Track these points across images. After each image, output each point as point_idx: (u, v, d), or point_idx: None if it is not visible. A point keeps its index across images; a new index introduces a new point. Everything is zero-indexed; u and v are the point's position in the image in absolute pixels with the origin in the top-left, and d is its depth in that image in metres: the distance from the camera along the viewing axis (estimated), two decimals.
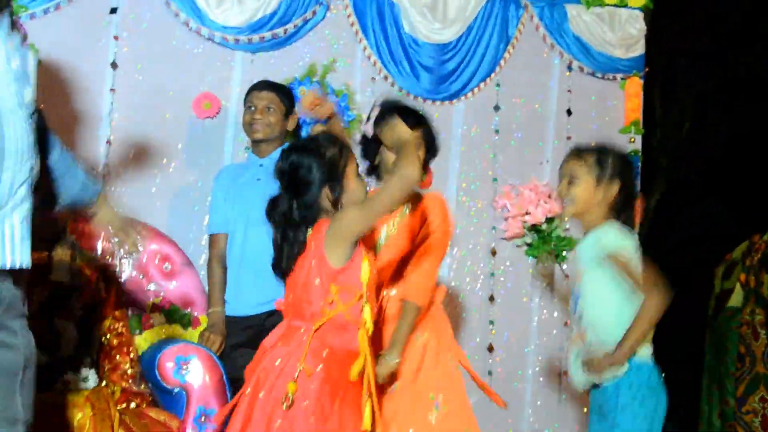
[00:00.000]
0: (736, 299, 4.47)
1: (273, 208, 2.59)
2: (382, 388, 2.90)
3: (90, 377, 3.17)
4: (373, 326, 2.55)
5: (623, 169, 2.77)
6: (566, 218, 2.85)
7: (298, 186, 2.54)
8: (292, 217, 2.54)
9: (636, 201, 2.82)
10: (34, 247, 2.83)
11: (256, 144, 3.66)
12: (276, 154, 3.60)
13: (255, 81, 3.92)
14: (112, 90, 3.92)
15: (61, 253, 3.38)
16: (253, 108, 3.61)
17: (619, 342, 2.62)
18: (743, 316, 4.38)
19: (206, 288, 3.82)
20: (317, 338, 2.47)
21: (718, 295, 4.67)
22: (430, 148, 3.08)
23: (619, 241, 2.67)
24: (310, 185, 2.53)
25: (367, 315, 2.50)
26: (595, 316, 2.71)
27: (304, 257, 2.51)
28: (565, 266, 4.44)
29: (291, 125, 3.69)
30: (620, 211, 2.76)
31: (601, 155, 2.78)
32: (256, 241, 3.42)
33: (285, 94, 3.69)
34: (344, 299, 2.48)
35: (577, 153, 2.81)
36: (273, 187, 3.36)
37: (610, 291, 2.68)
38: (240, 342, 3.49)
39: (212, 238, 3.66)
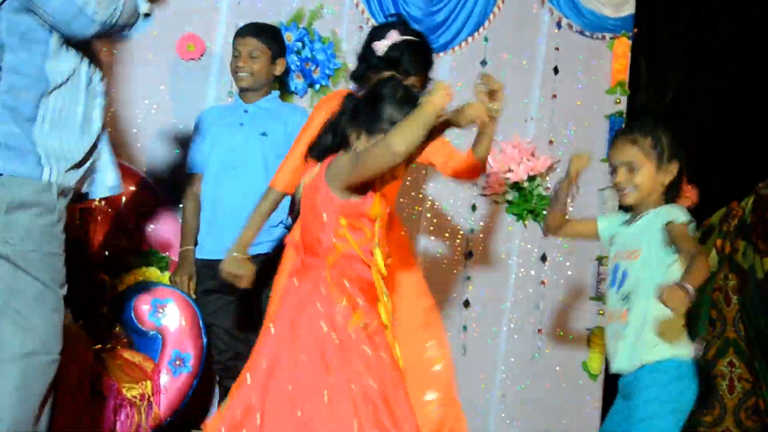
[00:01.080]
0: (711, 264, 4.50)
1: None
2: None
3: (66, 317, 3.13)
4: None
5: (678, 149, 2.69)
6: (629, 203, 2.73)
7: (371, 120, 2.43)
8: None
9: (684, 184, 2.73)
10: None
11: (242, 91, 3.62)
12: (263, 101, 3.61)
13: (240, 24, 3.86)
14: None
15: None
16: (237, 54, 3.57)
17: (687, 272, 2.41)
18: (717, 281, 4.42)
19: None
20: (334, 272, 2.42)
21: None
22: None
23: (683, 215, 2.59)
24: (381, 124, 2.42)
25: (378, 257, 2.44)
26: (648, 299, 2.52)
27: (313, 192, 2.45)
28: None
29: (279, 70, 3.64)
30: (671, 192, 2.69)
31: (654, 137, 2.68)
32: (233, 185, 3.45)
33: (272, 37, 3.62)
34: (355, 235, 2.42)
35: (630, 138, 2.70)
36: (255, 134, 3.34)
37: (667, 276, 2.55)
38: (211, 288, 3.46)
39: (190, 177, 3.64)
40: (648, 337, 2.59)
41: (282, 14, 4.07)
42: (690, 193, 2.80)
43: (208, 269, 3.44)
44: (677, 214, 2.61)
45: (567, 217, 2.97)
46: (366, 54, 2.96)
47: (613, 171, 2.75)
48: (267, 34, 3.61)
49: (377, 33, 2.99)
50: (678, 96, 5.83)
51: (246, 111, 3.58)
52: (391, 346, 2.47)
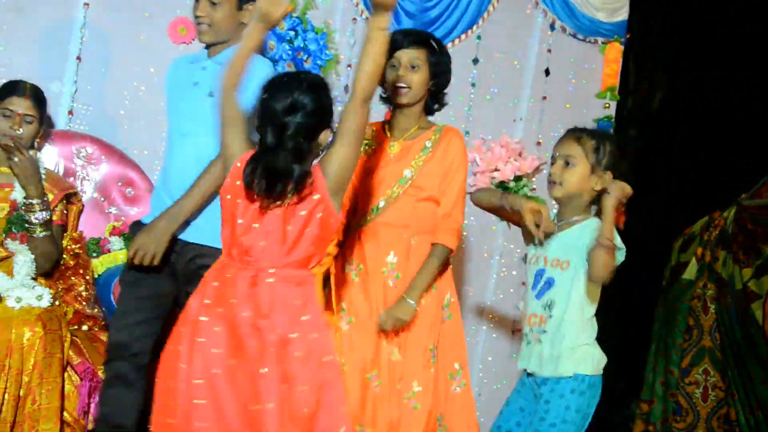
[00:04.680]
0: (690, 272, 4.52)
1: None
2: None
3: (45, 296, 3.11)
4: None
5: (618, 162, 2.72)
6: (554, 198, 2.78)
7: (313, 125, 2.38)
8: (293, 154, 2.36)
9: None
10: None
11: (206, 46, 3.13)
12: (222, 55, 3.01)
13: None
14: (85, 4, 3.80)
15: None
16: (197, 2, 3.05)
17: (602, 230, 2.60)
18: (695, 289, 4.43)
19: None
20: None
21: (673, 267, 4.71)
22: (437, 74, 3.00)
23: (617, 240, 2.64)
24: (321, 126, 2.40)
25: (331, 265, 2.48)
26: (567, 310, 2.68)
27: (289, 206, 2.36)
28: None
29: (246, 17, 3.02)
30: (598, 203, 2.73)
31: (599, 142, 2.72)
32: (182, 156, 3.00)
33: None
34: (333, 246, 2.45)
35: (576, 136, 2.74)
36: (205, 95, 2.95)
37: (591, 293, 2.69)
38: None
39: None
40: (564, 348, 2.67)
41: None
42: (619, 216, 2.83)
43: None
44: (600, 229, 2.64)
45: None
46: None
47: (552, 161, 2.79)
48: None
49: None
50: (666, 103, 5.84)
51: (204, 68, 3.04)
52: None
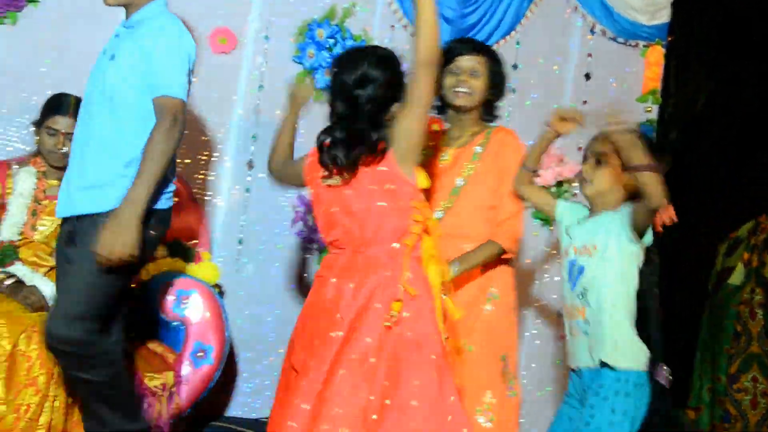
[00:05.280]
0: (736, 277, 4.47)
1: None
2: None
3: None
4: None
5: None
6: (585, 195, 2.77)
7: (384, 97, 2.45)
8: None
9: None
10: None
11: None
12: (135, 17, 2.81)
13: (273, 20, 3.87)
14: None
15: None
16: None
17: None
18: (742, 294, 4.38)
19: (209, 225, 3.83)
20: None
21: (719, 272, 4.66)
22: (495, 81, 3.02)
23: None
24: (392, 99, 2.47)
25: (429, 244, 2.48)
26: (602, 295, 2.65)
27: (357, 182, 2.44)
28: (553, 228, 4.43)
29: None
30: (635, 199, 2.70)
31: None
32: (80, 129, 2.83)
33: None
34: (424, 214, 2.49)
35: (607, 134, 2.71)
36: (106, 60, 2.78)
37: (624, 276, 2.66)
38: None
39: None
40: (608, 337, 2.63)
41: (315, 10, 4.08)
42: (667, 212, 2.79)
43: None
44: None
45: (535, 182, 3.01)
46: None
47: (584, 159, 2.77)
48: None
49: None
50: (708, 106, 5.77)
51: (117, 35, 2.85)
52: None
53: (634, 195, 2.69)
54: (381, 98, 2.42)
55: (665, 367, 2.71)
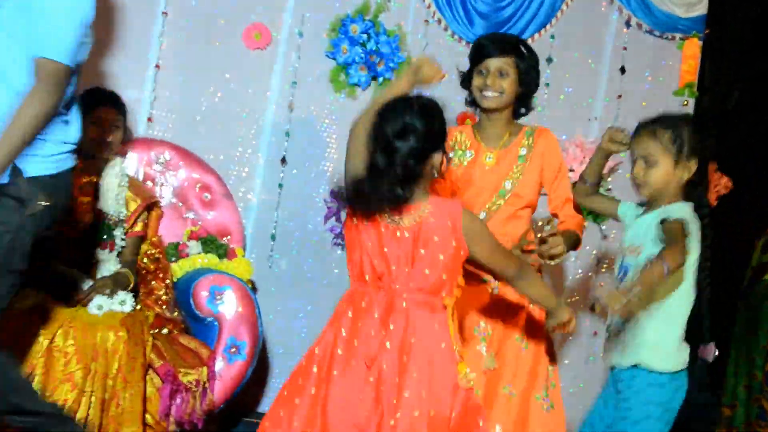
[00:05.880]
0: None
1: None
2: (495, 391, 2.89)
3: (127, 301, 3.17)
4: None
5: (699, 144, 2.65)
6: (643, 197, 2.75)
7: (424, 149, 2.36)
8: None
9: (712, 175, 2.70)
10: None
11: None
12: None
13: (306, 15, 3.85)
14: (164, 13, 3.87)
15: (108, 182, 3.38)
16: None
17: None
18: None
19: (243, 220, 3.85)
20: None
21: (755, 268, 4.60)
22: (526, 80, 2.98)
23: (683, 214, 2.57)
24: (432, 149, 2.38)
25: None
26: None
27: (419, 232, 2.36)
28: (604, 227, 4.40)
29: None
30: (694, 187, 2.66)
31: (675, 132, 2.63)
32: None
33: None
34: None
35: (651, 131, 2.66)
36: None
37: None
38: None
39: None
40: (646, 337, 2.60)
41: (348, 6, 4.06)
42: (719, 183, 2.74)
43: None
44: (675, 211, 2.58)
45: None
46: None
47: (633, 162, 2.72)
48: None
49: None
50: (744, 99, 5.68)
51: None
52: None
53: (691, 183, 2.66)
54: (420, 150, 2.34)
55: (712, 344, 2.69)
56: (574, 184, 4.22)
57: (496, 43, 2.98)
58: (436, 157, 2.38)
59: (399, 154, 2.32)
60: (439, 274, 2.36)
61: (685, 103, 4.47)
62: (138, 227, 3.42)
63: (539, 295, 2.56)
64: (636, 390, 2.60)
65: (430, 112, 2.38)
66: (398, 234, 2.36)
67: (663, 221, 2.57)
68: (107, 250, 3.27)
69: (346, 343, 2.36)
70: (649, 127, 2.69)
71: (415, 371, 2.30)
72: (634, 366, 2.62)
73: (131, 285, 3.29)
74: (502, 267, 2.46)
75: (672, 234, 2.53)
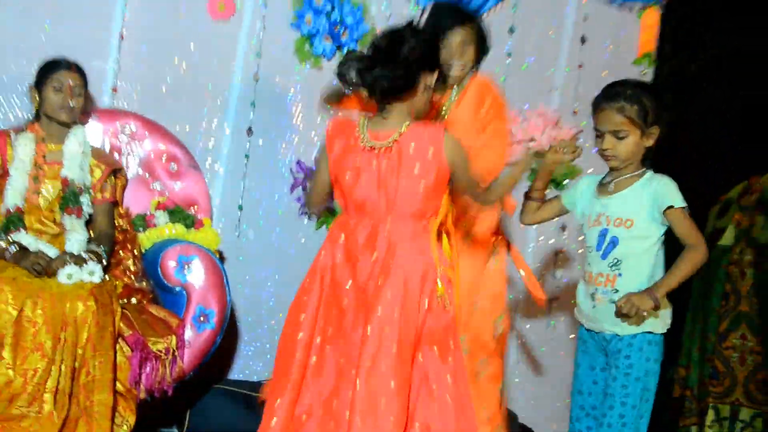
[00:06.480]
0: (727, 238, 4.51)
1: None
2: None
3: (96, 272, 3.19)
4: None
5: (661, 111, 2.75)
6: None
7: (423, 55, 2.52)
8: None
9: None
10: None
11: None
12: None
13: None
14: None
15: (72, 150, 3.37)
16: None
17: (660, 282, 2.68)
18: (732, 255, 4.43)
19: (210, 190, 3.87)
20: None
21: (709, 234, 4.70)
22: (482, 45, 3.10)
23: (680, 198, 2.69)
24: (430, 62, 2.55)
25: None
26: (636, 269, 2.72)
27: (400, 158, 2.48)
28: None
29: None
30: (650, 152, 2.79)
31: (641, 105, 2.73)
32: None
33: None
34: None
35: (618, 106, 2.75)
36: None
37: (657, 248, 2.74)
38: None
39: None
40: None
41: None
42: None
43: None
44: (673, 196, 2.69)
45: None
46: None
47: (599, 136, 2.81)
48: None
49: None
50: (703, 69, 5.76)
51: None
52: None
53: (648, 151, 2.78)
54: (419, 55, 2.47)
55: None
56: (537, 153, 4.31)
57: (454, 16, 3.09)
58: (429, 78, 2.51)
59: (400, 55, 2.45)
60: (420, 200, 2.49)
61: (644, 72, 4.54)
62: (107, 193, 3.42)
63: (504, 186, 2.71)
64: (637, 348, 2.73)
65: (429, 37, 2.55)
66: (374, 162, 2.49)
67: (668, 209, 2.68)
68: (74, 216, 3.27)
69: (338, 269, 2.53)
70: (614, 103, 2.77)
71: (389, 292, 2.43)
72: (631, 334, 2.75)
73: (104, 259, 3.29)
74: (473, 185, 2.61)
75: (683, 222, 2.69)
